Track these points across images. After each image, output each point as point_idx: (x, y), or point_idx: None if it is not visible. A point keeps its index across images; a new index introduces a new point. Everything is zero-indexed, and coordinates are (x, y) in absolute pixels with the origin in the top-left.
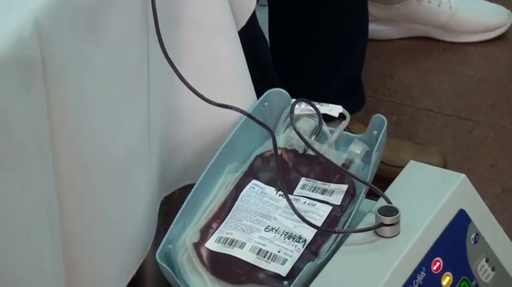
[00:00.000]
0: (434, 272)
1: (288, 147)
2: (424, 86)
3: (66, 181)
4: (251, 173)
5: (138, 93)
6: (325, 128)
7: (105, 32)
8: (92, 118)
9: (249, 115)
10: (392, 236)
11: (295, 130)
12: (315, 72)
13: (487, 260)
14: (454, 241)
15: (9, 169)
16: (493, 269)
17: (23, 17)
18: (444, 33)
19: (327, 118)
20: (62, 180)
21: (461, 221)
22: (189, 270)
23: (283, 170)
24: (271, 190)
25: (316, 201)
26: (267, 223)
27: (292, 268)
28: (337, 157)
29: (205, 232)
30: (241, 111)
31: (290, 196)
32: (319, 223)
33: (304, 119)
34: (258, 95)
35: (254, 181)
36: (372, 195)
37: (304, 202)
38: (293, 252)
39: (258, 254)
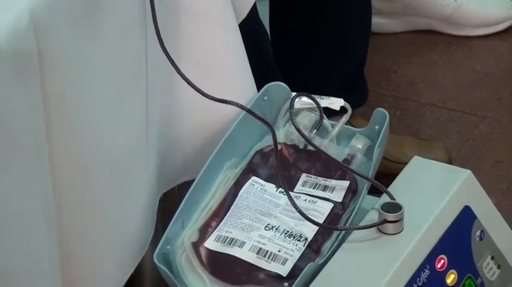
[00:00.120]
0: (439, 269)
1: (288, 142)
2: (428, 81)
3: (63, 177)
4: (251, 170)
5: (136, 88)
6: (326, 122)
7: (102, 26)
8: (89, 113)
9: (248, 110)
10: (396, 233)
11: (295, 126)
12: (317, 66)
13: (492, 258)
14: (459, 238)
15: (4, 165)
16: (498, 267)
17: (18, 9)
18: (449, 26)
19: (329, 112)
20: (59, 176)
21: (466, 218)
22: (187, 270)
23: (283, 166)
24: (271, 187)
25: (317, 198)
26: (267, 221)
27: (293, 267)
28: (338, 152)
29: (204, 231)
30: (241, 107)
31: (290, 193)
32: (320, 221)
33: (304, 113)
34: (259, 88)
35: (254, 178)
36: (375, 192)
37: (305, 199)
38: (294, 251)
39: (258, 253)
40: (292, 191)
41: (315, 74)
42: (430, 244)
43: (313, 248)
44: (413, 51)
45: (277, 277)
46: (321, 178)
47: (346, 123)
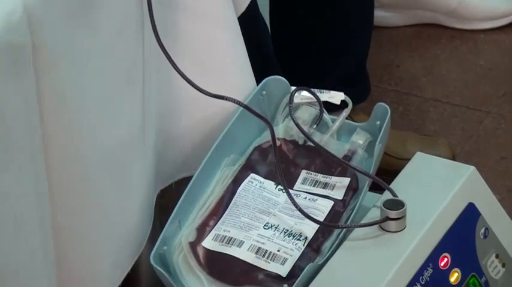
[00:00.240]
0: (442, 268)
1: (288, 138)
2: (432, 75)
3: (57, 174)
4: (249, 167)
5: (133, 84)
6: (327, 116)
7: (98, 19)
8: (84, 109)
9: (245, 107)
10: (398, 231)
11: (294, 121)
12: (317, 61)
13: (497, 256)
14: (463, 236)
15: None
16: (503, 266)
17: (12, 1)
18: (453, 20)
19: (329, 107)
20: (54, 173)
21: (470, 215)
22: (185, 271)
23: (282, 163)
24: (270, 184)
25: (317, 196)
26: (266, 219)
27: (292, 267)
28: (339, 148)
29: (202, 230)
30: (238, 103)
31: (290, 191)
32: (320, 219)
33: (304, 107)
34: (259, 83)
35: (252, 175)
36: (376, 188)
37: (305, 197)
38: (293, 251)
39: (256, 253)
40: (292, 189)
41: (316, 68)
42: (433, 242)
43: (314, 247)
44: (416, 45)
45: (277, 277)
46: (321, 175)
47: (347, 118)
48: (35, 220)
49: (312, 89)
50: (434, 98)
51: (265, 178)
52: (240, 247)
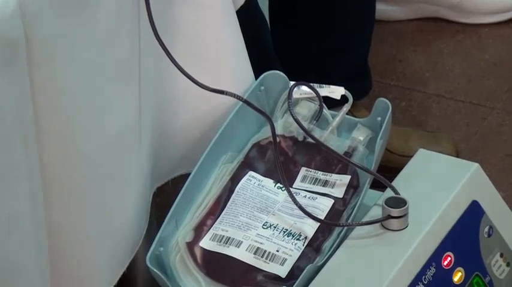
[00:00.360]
0: (445, 267)
1: (287, 134)
2: (435, 70)
3: (51, 170)
4: (247, 164)
5: (128, 78)
6: (327, 112)
7: (93, 12)
8: (79, 104)
9: (246, 101)
10: (400, 230)
11: (293, 117)
12: (317, 55)
13: (501, 255)
14: (467, 235)
15: None
16: (507, 265)
17: None
18: (457, 13)
19: (330, 103)
20: (47, 169)
21: (474, 213)
22: (182, 272)
23: (281, 160)
24: (269, 182)
25: (317, 194)
26: (264, 219)
27: (292, 268)
28: (339, 144)
29: (199, 230)
30: (238, 97)
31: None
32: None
33: (303, 103)
34: (257, 76)
35: (251, 173)
36: (378, 186)
37: (305, 196)
38: (293, 251)
39: (255, 253)
40: (291, 187)
41: (316, 63)
42: (436, 241)
43: (314, 247)
44: (419, 39)
45: (276, 278)
46: (321, 172)
47: (347, 114)
48: (28, 218)
49: (312, 84)
50: (437, 93)
51: (264, 175)
52: (238, 247)
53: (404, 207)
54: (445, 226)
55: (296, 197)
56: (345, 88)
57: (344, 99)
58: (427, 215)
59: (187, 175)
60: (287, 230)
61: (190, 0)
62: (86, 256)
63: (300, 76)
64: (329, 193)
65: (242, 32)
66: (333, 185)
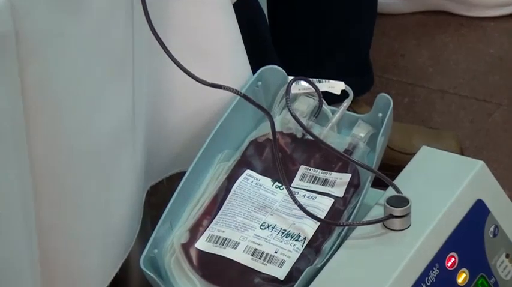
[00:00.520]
0: (449, 268)
1: (285, 131)
2: (439, 65)
3: (41, 168)
4: (244, 162)
5: (122, 73)
6: (326, 108)
7: (85, 6)
8: (71, 100)
9: (244, 96)
10: (403, 229)
11: (291, 113)
12: (317, 50)
13: (507, 256)
14: (471, 234)
15: None
16: None
17: None
18: (461, 6)
19: (331, 99)
20: (38, 167)
21: (479, 212)
22: (177, 274)
23: (280, 158)
24: (266, 181)
25: (317, 193)
26: (262, 219)
27: (290, 270)
28: (339, 141)
29: (195, 231)
30: (236, 92)
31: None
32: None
33: (302, 98)
34: (254, 71)
35: (248, 171)
36: (379, 185)
37: (304, 195)
38: (291, 252)
39: (253, 255)
40: (290, 186)
41: (316, 58)
42: (440, 241)
43: (313, 248)
44: (422, 33)
45: (274, 280)
46: (320, 171)
47: (348, 110)
48: (19, 217)
49: (311, 79)
50: (441, 89)
51: (261, 174)
52: (235, 248)
53: (407, 206)
54: (448, 225)
55: (295, 196)
56: (346, 83)
57: (344, 94)
58: (430, 215)
59: (183, 173)
60: (286, 230)
61: None
62: (78, 256)
63: (298, 70)
64: (329, 192)
65: (239, 25)
66: (332, 184)
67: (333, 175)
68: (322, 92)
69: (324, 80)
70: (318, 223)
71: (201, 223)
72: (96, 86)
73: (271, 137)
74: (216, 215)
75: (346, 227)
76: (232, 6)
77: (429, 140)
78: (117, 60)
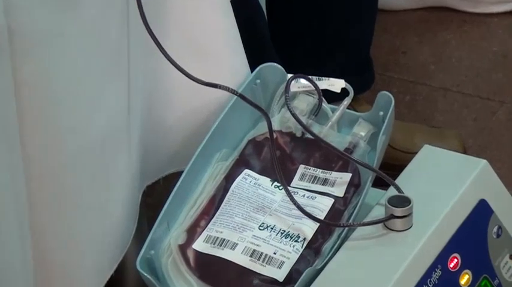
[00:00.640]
0: (452, 269)
1: (284, 129)
2: (441, 63)
3: (35, 169)
4: (243, 162)
5: (117, 71)
6: (326, 106)
7: (80, 3)
8: (65, 99)
9: (241, 95)
10: (404, 230)
11: (290, 111)
12: (317, 46)
13: (511, 257)
14: (474, 235)
15: None
16: None
17: None
18: (464, 2)
19: (331, 97)
20: (31, 167)
21: (482, 212)
22: (174, 276)
23: (279, 157)
24: (265, 181)
25: (316, 193)
26: (261, 219)
27: (290, 271)
28: (339, 140)
29: (192, 232)
30: (232, 92)
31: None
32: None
33: (301, 96)
34: (253, 68)
35: (246, 171)
36: (380, 184)
37: (303, 195)
38: (291, 253)
39: (251, 256)
40: (289, 186)
41: (316, 55)
42: (442, 242)
43: (313, 249)
44: (424, 30)
45: (273, 282)
46: (320, 170)
47: (348, 108)
48: (12, 218)
49: (311, 77)
50: (443, 87)
51: (260, 173)
52: (233, 249)
53: (409, 206)
54: (451, 226)
55: (294, 196)
56: (346, 81)
57: (344, 92)
58: (433, 215)
59: (179, 173)
60: (285, 231)
61: None
62: (72, 258)
63: (297, 69)
64: (329, 192)
65: (237, 22)
66: (333, 184)
67: (333, 175)
68: (322, 90)
69: (323, 78)
70: (318, 224)
71: (199, 224)
72: (91, 84)
73: None
74: (213, 216)
75: (347, 228)
76: (230, 3)
77: (431, 139)
78: (112, 58)
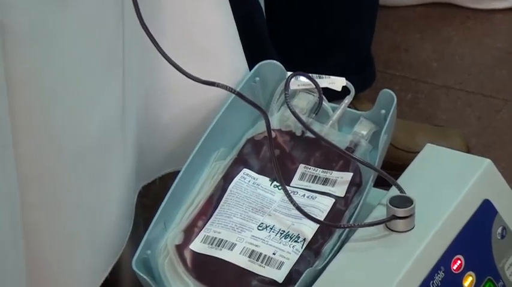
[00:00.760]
0: (455, 271)
1: (284, 128)
2: (444, 60)
3: (28, 168)
4: (241, 161)
5: (112, 69)
6: (326, 104)
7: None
8: (58, 96)
9: (238, 94)
10: (406, 231)
11: (290, 109)
12: (317, 47)
13: None
14: (478, 236)
15: None
16: None
17: None
18: None
19: (331, 95)
20: (24, 167)
21: (486, 213)
22: (171, 277)
23: (278, 156)
24: (264, 180)
25: (317, 193)
26: (260, 219)
27: (289, 272)
28: (340, 139)
29: (190, 232)
30: (230, 90)
31: (287, 188)
32: (320, 219)
33: (301, 94)
34: (251, 66)
35: (245, 170)
36: (382, 184)
37: (303, 195)
38: (290, 254)
39: (250, 256)
40: (289, 186)
41: (316, 53)
42: (445, 243)
43: (313, 250)
44: (426, 26)
45: (272, 283)
46: (321, 170)
47: (349, 107)
48: (4, 218)
49: (311, 75)
50: (446, 84)
51: (259, 173)
52: (231, 249)
53: (411, 207)
54: (454, 227)
55: (294, 196)
56: (347, 79)
57: (345, 91)
58: (435, 216)
59: (176, 173)
60: (284, 231)
61: None
62: (66, 259)
63: (297, 68)
64: (329, 192)
65: (235, 19)
66: (333, 184)
67: (334, 174)
68: (322, 89)
69: (324, 76)
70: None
71: (196, 224)
72: (85, 83)
73: None
74: (211, 216)
75: (348, 229)
76: (228, 0)
77: (434, 138)
78: (106, 55)
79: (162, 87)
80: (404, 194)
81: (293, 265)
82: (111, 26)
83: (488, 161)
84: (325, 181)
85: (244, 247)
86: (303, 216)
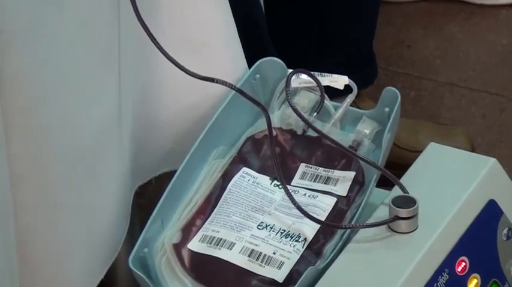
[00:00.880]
0: (459, 273)
1: (284, 127)
2: (447, 57)
3: (21, 168)
4: (241, 159)
5: (108, 65)
6: (328, 103)
7: None
8: (52, 96)
9: (238, 90)
10: (409, 232)
11: (292, 107)
12: (317, 40)
13: None
14: (483, 237)
15: None
16: None
17: None
18: None
19: (333, 93)
20: (16, 168)
21: (491, 213)
22: (168, 276)
23: (278, 155)
24: (264, 179)
25: (318, 192)
26: (260, 218)
27: (290, 272)
28: (342, 138)
29: (187, 231)
30: (230, 86)
31: (288, 187)
32: (322, 219)
33: (303, 92)
34: (250, 65)
35: (244, 169)
36: (385, 184)
37: (304, 194)
38: (291, 253)
39: (249, 256)
40: (290, 185)
41: (316, 50)
42: (449, 244)
43: (314, 249)
44: (430, 22)
45: (272, 282)
46: (322, 169)
47: (351, 105)
48: None
49: (312, 72)
50: (450, 82)
51: (258, 172)
52: (230, 249)
53: (414, 207)
54: (459, 227)
55: (295, 195)
56: (348, 77)
57: (348, 89)
58: (439, 216)
59: (173, 173)
60: (285, 231)
61: None
62: (60, 260)
63: (297, 67)
64: (331, 191)
65: (234, 16)
66: (335, 183)
67: (336, 173)
68: (324, 86)
69: (326, 74)
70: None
71: (194, 223)
72: (79, 81)
73: None
74: (210, 215)
75: (350, 229)
76: None
77: (438, 137)
78: (102, 52)
79: (159, 84)
80: (407, 194)
81: (294, 265)
82: (105, 23)
83: (493, 160)
84: (327, 180)
85: (243, 246)
86: (303, 215)
